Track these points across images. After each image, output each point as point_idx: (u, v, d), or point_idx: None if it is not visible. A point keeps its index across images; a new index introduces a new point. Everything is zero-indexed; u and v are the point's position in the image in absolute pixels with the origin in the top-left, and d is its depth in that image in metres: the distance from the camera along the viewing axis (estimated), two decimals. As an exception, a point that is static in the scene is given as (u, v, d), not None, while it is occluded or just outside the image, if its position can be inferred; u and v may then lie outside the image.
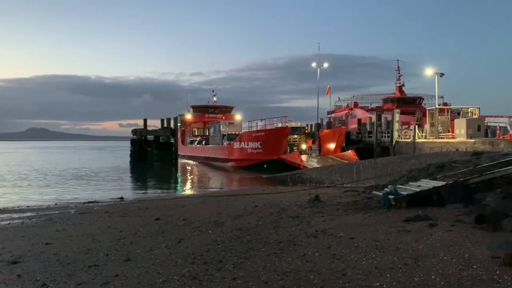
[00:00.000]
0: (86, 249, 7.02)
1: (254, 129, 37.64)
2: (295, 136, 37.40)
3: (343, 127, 44.42)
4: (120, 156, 58.99)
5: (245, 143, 36.28)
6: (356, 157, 32.00)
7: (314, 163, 31.10)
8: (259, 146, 34.57)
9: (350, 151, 34.68)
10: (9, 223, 10.48)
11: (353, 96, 66.46)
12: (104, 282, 5.18)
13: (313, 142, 41.54)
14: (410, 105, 54.94)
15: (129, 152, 44.67)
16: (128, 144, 46.12)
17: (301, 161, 30.63)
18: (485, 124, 31.45)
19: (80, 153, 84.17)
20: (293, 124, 37.93)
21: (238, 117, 54.66)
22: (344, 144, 37.94)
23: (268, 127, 35.88)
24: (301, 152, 34.88)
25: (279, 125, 35.30)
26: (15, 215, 12.13)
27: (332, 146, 37.27)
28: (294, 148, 36.00)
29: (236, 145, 37.62)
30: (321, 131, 43.10)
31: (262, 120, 37.51)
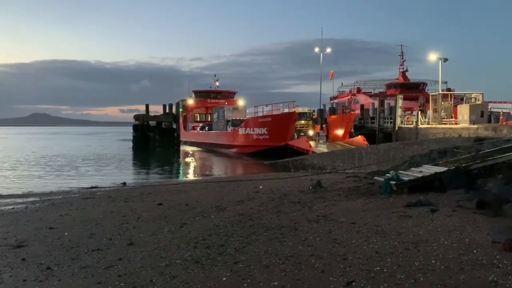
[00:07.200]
0: (89, 234, 7.10)
1: (260, 114, 36.96)
2: (302, 122, 36.86)
3: (352, 112, 43.66)
4: (123, 143, 59.10)
5: (251, 129, 35.65)
6: (366, 142, 31.38)
7: (323, 149, 30.57)
8: (266, 132, 33.95)
9: (359, 136, 34.00)
10: (13, 208, 10.57)
11: (356, 82, 65.85)
12: (107, 265, 5.25)
13: (321, 128, 41.02)
14: (413, 90, 54.46)
15: (132, 138, 44.64)
16: (129, 129, 46.10)
17: (310, 146, 30.05)
18: (489, 109, 31.23)
19: (84, 139, 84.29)
20: (300, 110, 37.04)
21: (241, 102, 53.84)
22: (352, 130, 37.47)
23: (275, 113, 35.32)
24: (309, 138, 34.36)
25: (286, 110, 34.68)
26: (19, 200, 12.24)
27: (340, 132, 36.61)
28: (301, 134, 35.47)
29: (242, 131, 37.04)
30: (329, 117, 42.51)
31: (268, 105, 36.75)
